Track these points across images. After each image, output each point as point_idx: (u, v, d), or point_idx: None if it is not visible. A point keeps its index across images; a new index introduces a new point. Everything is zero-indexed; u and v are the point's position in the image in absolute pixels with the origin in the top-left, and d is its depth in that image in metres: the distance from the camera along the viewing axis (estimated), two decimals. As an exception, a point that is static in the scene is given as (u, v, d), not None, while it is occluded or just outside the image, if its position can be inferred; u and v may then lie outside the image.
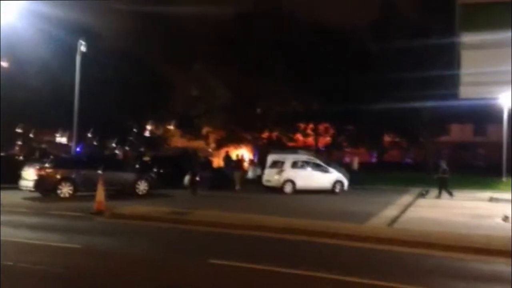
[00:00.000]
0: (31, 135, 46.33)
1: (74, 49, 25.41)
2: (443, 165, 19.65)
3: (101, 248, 8.90)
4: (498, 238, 9.86)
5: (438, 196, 19.20)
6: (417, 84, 28.60)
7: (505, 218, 12.56)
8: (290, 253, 8.89)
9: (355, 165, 29.64)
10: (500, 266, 8.06)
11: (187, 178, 20.29)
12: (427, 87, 27.82)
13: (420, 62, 28.51)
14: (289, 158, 21.86)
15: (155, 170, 21.04)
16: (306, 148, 38.46)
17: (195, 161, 21.62)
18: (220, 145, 35.06)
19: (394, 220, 12.80)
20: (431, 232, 10.58)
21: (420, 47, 28.01)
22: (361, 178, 24.63)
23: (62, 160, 20.39)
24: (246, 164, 27.99)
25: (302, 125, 38.75)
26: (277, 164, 21.66)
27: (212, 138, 36.16)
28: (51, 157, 23.49)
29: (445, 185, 19.44)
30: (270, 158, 22.62)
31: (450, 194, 19.12)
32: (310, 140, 41.32)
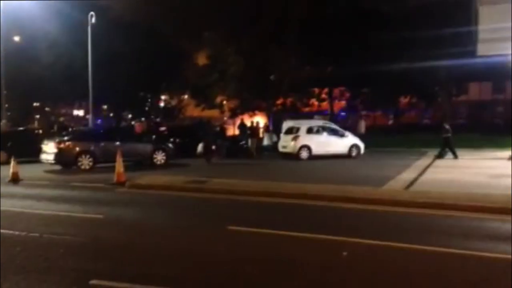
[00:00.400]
0: (48, 109, 46.93)
1: (85, 22, 25.30)
2: (446, 126, 20.15)
3: (123, 218, 9.14)
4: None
5: (454, 156, 19.42)
6: (433, 43, 27.87)
7: None
8: (308, 218, 9.00)
9: (362, 129, 29.22)
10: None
11: (200, 147, 20.45)
12: (443, 46, 27.09)
13: (436, 20, 27.67)
14: (304, 124, 21.80)
15: (171, 140, 21.22)
16: (321, 112, 38.18)
17: (209, 130, 21.61)
18: (234, 113, 35.01)
19: (412, 182, 12.78)
20: (449, 193, 10.56)
21: (435, 4, 27.14)
22: (371, 142, 24.06)
23: (81, 133, 20.74)
24: (261, 131, 27.99)
25: (316, 90, 38.37)
26: (292, 130, 21.60)
27: (226, 106, 36.11)
28: (70, 130, 23.95)
29: (450, 145, 19.88)
30: (286, 124, 22.55)
31: (441, 156, 19.73)
32: (325, 105, 40.99)
